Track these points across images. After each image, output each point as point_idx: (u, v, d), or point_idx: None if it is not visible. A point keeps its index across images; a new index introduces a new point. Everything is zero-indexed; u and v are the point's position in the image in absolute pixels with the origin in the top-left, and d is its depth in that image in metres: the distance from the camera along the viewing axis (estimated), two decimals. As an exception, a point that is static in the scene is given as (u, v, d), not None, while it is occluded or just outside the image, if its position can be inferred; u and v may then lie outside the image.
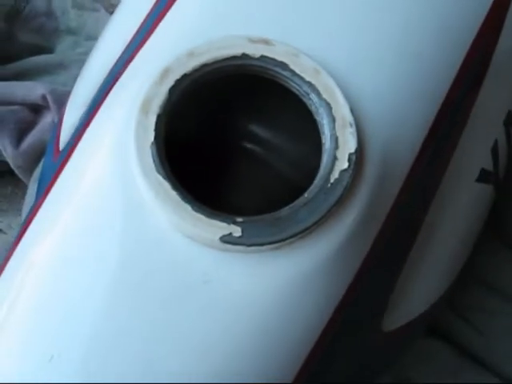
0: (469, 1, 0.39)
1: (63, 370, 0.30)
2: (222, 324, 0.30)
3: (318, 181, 0.31)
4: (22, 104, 0.65)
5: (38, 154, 0.63)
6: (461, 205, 0.43)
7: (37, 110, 0.65)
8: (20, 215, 0.67)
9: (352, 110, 0.32)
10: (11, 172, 0.65)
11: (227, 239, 0.29)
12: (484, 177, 0.44)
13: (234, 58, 0.32)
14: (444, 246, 0.43)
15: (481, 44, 0.39)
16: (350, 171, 0.31)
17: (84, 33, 0.75)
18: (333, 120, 0.32)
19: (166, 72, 0.32)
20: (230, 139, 0.40)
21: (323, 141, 0.32)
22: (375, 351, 0.42)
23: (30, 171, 0.63)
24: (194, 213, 0.29)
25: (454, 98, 0.37)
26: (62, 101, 0.63)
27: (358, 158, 0.31)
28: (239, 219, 0.30)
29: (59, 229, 0.33)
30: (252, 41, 0.33)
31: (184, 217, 0.29)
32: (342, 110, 0.32)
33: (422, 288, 0.42)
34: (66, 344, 0.31)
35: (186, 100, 0.32)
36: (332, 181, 0.31)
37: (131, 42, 0.39)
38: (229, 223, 0.29)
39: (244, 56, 0.32)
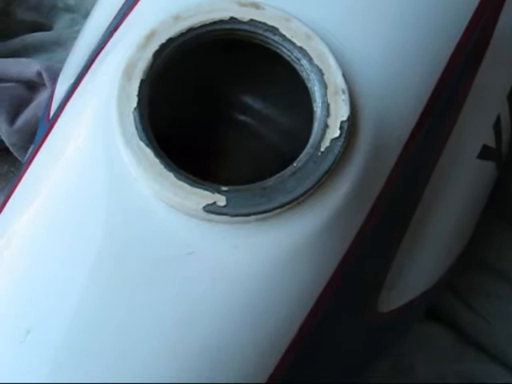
0: None
1: (41, 343, 0.29)
2: (205, 298, 0.29)
3: (308, 149, 0.30)
4: (18, 81, 0.64)
5: (33, 132, 0.62)
6: (461, 181, 0.41)
7: (32, 86, 0.64)
8: (16, 194, 0.66)
9: (345, 77, 0.31)
10: (7, 151, 0.64)
11: (211, 209, 0.28)
12: (486, 153, 0.43)
13: (221, 21, 0.31)
14: (443, 224, 0.41)
15: (482, 17, 0.37)
16: (342, 139, 0.30)
17: (82, 10, 0.74)
18: (324, 87, 0.30)
19: (150, 36, 0.30)
20: (220, 110, 0.38)
21: (314, 108, 0.31)
22: (371, 333, 0.41)
23: (25, 149, 0.62)
24: (176, 181, 0.28)
25: (453, 70, 0.36)
26: (57, 78, 0.63)
27: (351, 127, 0.30)
28: (224, 188, 0.28)
29: (42, 197, 0.32)
30: (241, 4, 0.31)
31: (166, 185, 0.28)
32: (335, 77, 0.30)
33: (420, 267, 0.41)
34: (46, 316, 0.30)
35: (173, 67, 0.31)
36: (322, 149, 0.29)
37: (119, 11, 0.38)
38: (213, 192, 0.28)
39: (232, 20, 0.31)
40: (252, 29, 0.31)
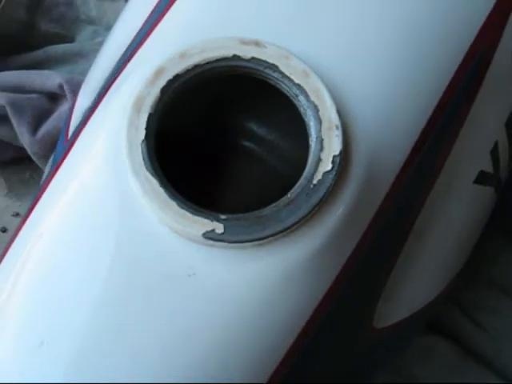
0: (468, 4, 0.39)
1: (54, 353, 0.32)
2: (203, 315, 0.31)
3: (301, 181, 0.32)
4: (40, 92, 0.67)
5: (54, 142, 0.65)
6: (457, 205, 0.43)
7: (54, 98, 0.67)
8: (37, 200, 0.69)
9: (339, 113, 0.33)
10: (29, 158, 0.67)
11: (210, 235, 0.30)
12: (483, 179, 0.44)
13: (225, 59, 0.33)
14: (439, 245, 0.43)
15: (480, 47, 0.39)
16: (334, 173, 0.32)
17: (104, 22, 0.76)
18: (319, 122, 0.32)
19: (158, 72, 0.33)
20: (225, 137, 0.41)
21: (310, 142, 0.33)
22: (367, 348, 0.43)
23: (46, 158, 0.65)
24: (179, 209, 0.31)
25: (448, 102, 0.37)
26: (78, 90, 0.65)
27: (343, 161, 0.32)
28: (222, 216, 0.31)
29: (59, 217, 0.35)
30: (244, 42, 0.34)
31: (170, 213, 0.31)
32: (329, 113, 0.32)
33: (415, 286, 0.43)
34: (59, 329, 0.33)
35: (181, 99, 0.34)
36: (315, 182, 0.32)
37: (135, 38, 0.40)
38: (212, 220, 0.31)
39: (235, 57, 0.33)
40: (254, 66, 0.33)
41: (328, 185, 0.32)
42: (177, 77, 0.33)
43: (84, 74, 0.70)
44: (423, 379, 0.57)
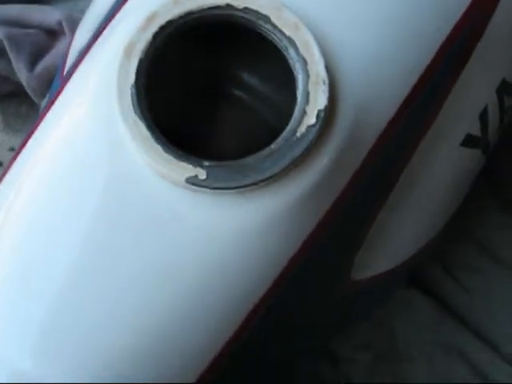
0: None
1: (39, 284, 0.34)
2: (183, 255, 0.33)
3: (285, 133, 0.33)
4: (39, 28, 0.66)
5: (51, 78, 0.65)
6: (442, 164, 0.43)
7: (52, 34, 0.67)
8: (33, 136, 0.70)
9: (327, 68, 0.33)
10: (26, 93, 0.67)
11: (192, 181, 0.31)
12: (469, 141, 0.45)
13: (218, 7, 0.33)
14: (422, 201, 0.44)
15: (474, 14, 0.39)
16: (317, 127, 0.32)
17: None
18: (307, 76, 0.33)
19: (151, 17, 0.33)
20: (216, 85, 0.41)
21: (297, 95, 0.33)
22: (346, 299, 0.44)
23: (43, 94, 0.66)
24: (163, 153, 0.32)
25: (439, 65, 0.38)
26: (76, 28, 0.65)
27: (328, 115, 0.33)
28: (206, 163, 0.32)
29: (49, 155, 0.36)
30: (237, -8, 0.34)
31: (155, 157, 0.32)
32: (317, 67, 0.33)
33: (396, 239, 0.44)
34: (43, 266, 0.34)
35: (172, 45, 0.34)
36: (298, 135, 0.32)
37: None
38: (195, 166, 0.32)
39: (228, 6, 0.33)
40: (246, 16, 0.34)
41: (311, 138, 0.32)
42: (169, 23, 0.33)
43: (83, 12, 0.70)
44: (401, 332, 0.59)
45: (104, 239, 0.34)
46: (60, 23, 0.65)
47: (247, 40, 0.37)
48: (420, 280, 0.60)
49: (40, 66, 0.65)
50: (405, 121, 0.37)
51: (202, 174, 0.31)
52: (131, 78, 0.32)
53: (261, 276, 0.34)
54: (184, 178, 0.31)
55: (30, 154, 0.37)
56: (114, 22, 0.37)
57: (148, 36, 0.33)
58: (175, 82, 0.39)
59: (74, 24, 0.65)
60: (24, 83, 0.65)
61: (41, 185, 0.35)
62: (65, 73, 0.44)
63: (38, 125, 0.37)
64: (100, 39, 0.37)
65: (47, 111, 0.37)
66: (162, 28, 0.33)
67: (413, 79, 0.37)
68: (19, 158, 0.37)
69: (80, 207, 0.34)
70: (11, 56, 0.64)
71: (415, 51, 0.37)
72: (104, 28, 0.38)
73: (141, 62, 0.33)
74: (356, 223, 0.40)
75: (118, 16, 0.37)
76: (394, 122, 0.37)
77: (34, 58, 0.65)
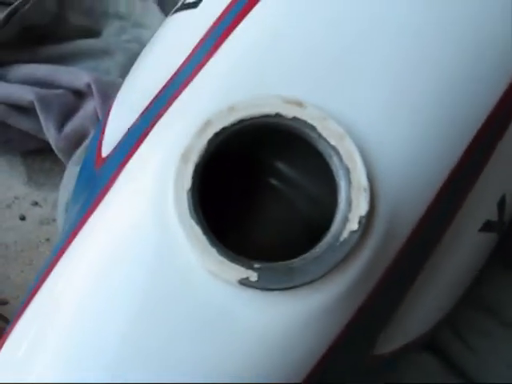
0: (492, 70, 0.42)
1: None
2: (233, 354, 0.35)
3: (328, 238, 0.35)
4: (66, 88, 0.69)
5: (78, 139, 0.68)
6: (461, 251, 0.46)
7: (80, 95, 0.70)
8: (56, 190, 0.72)
9: (368, 175, 0.36)
10: (50, 148, 0.69)
11: (244, 282, 0.34)
12: (487, 227, 0.47)
13: (268, 116, 0.36)
14: (444, 281, 0.46)
15: (503, 107, 0.42)
16: (359, 232, 0.35)
17: (132, 19, 0.78)
18: (349, 183, 0.35)
19: (207, 124, 0.35)
20: (254, 175, 0.44)
21: (339, 200, 0.36)
22: (363, 373, 0.47)
23: (69, 154, 0.68)
24: (219, 256, 0.34)
25: (464, 163, 0.40)
26: (105, 91, 0.68)
27: (368, 221, 0.35)
28: (256, 265, 0.34)
29: (96, 255, 0.37)
30: (286, 101, 0.36)
31: (210, 258, 0.34)
32: (359, 176, 0.35)
33: (415, 319, 0.46)
34: (87, 360, 0.36)
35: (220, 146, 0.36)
36: (341, 240, 0.35)
37: (183, 67, 0.42)
38: (247, 268, 0.34)
39: (277, 115, 0.36)
40: (294, 124, 0.36)
41: (353, 243, 0.35)
42: (223, 130, 0.35)
43: (108, 71, 0.73)
44: None
45: (152, 337, 0.35)
46: (88, 85, 0.68)
47: (285, 137, 0.40)
48: (428, 341, 0.62)
49: (68, 127, 0.67)
50: (435, 215, 0.40)
51: (253, 276, 0.34)
52: (187, 182, 0.34)
53: (302, 365, 0.37)
54: (236, 280, 0.34)
55: (79, 246, 0.39)
56: (161, 125, 0.39)
57: (203, 142, 0.35)
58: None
59: (102, 86, 0.68)
60: (52, 143, 0.67)
61: (89, 277, 0.37)
62: (103, 150, 0.46)
63: (87, 217, 0.39)
64: (149, 139, 0.39)
65: (92, 210, 0.39)
66: (216, 135, 0.35)
67: (443, 177, 0.40)
68: (71, 247, 0.39)
69: (125, 303, 0.36)
70: (41, 116, 0.66)
71: (444, 155, 0.40)
72: (154, 123, 0.40)
73: (196, 167, 0.35)
74: (386, 309, 0.42)
75: (168, 116, 0.39)
76: (425, 217, 0.39)
77: (63, 119, 0.67)
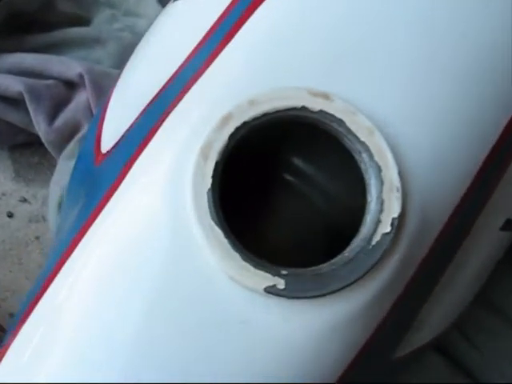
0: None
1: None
2: (253, 364, 0.32)
3: (359, 241, 0.33)
4: (57, 79, 0.65)
5: (70, 132, 0.64)
6: (484, 250, 0.44)
7: (71, 85, 0.66)
8: (46, 186, 0.68)
9: (400, 175, 0.33)
10: (40, 142, 0.66)
11: (271, 290, 0.31)
12: (507, 225, 0.46)
13: (293, 109, 0.33)
14: (465, 280, 0.45)
15: None
16: (392, 235, 0.33)
17: (123, 8, 0.75)
18: (381, 183, 0.33)
19: (227, 118, 0.33)
20: (271, 171, 0.41)
21: (368, 200, 0.33)
22: (384, 375, 0.45)
23: (60, 147, 0.64)
24: (242, 262, 0.31)
25: (491, 160, 0.38)
26: (98, 82, 0.64)
27: (399, 222, 0.33)
28: (283, 272, 0.31)
29: (106, 256, 0.35)
30: (312, 94, 0.34)
31: (232, 264, 0.31)
32: (391, 175, 0.33)
33: (436, 317, 0.45)
34: (98, 358, 0.33)
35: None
36: (374, 243, 0.32)
37: (188, 63, 0.39)
38: (273, 275, 0.31)
39: (303, 108, 0.33)
40: (321, 118, 0.34)
41: (386, 246, 0.32)
42: (244, 124, 0.33)
43: (100, 61, 0.70)
44: None
45: (169, 339, 0.33)
46: (81, 76, 0.64)
47: (305, 132, 0.37)
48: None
49: (59, 120, 0.63)
50: (462, 213, 0.38)
51: (280, 284, 0.31)
52: (208, 181, 0.32)
53: (329, 374, 0.35)
54: (262, 288, 0.31)
55: (88, 247, 0.36)
56: (177, 113, 0.36)
57: (224, 137, 0.32)
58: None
59: (95, 77, 0.64)
60: (42, 136, 0.64)
61: (99, 280, 0.34)
62: (103, 145, 0.43)
63: (93, 218, 0.36)
64: (159, 135, 0.36)
65: (105, 202, 0.36)
66: (238, 129, 0.33)
67: (471, 175, 0.38)
68: (78, 249, 0.36)
69: (138, 308, 0.33)
70: (30, 108, 0.63)
71: (473, 152, 0.38)
72: (168, 112, 0.36)
73: (217, 164, 0.32)
74: (412, 310, 0.40)
75: (182, 107, 0.36)
76: (452, 217, 0.37)
77: (54, 111, 0.64)
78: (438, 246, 0.37)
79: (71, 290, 0.35)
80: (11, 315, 0.64)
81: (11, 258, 0.66)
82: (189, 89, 0.37)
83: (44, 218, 0.68)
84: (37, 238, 0.67)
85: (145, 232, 0.34)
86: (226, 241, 0.31)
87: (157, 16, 0.74)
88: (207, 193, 0.32)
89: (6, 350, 0.35)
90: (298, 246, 0.42)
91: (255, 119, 0.33)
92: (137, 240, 0.34)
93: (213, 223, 0.31)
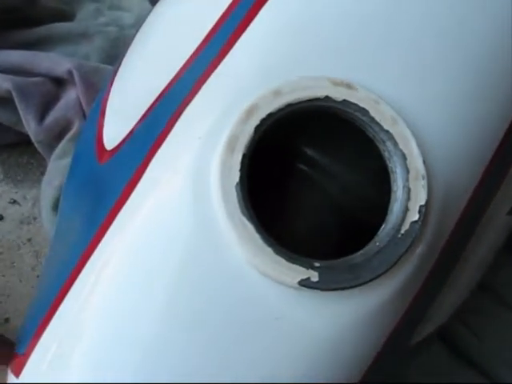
0: None
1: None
2: (290, 359, 0.32)
3: (388, 230, 0.32)
4: (45, 76, 0.63)
5: (60, 130, 0.62)
6: (491, 235, 0.45)
7: (60, 83, 0.64)
8: (36, 187, 0.67)
9: (424, 162, 0.33)
10: (28, 141, 0.64)
11: (305, 283, 0.31)
12: None
13: (317, 99, 0.33)
14: (474, 266, 0.45)
15: None
16: (420, 223, 0.32)
17: (108, 2, 0.73)
18: (407, 171, 0.33)
19: (251, 110, 0.32)
20: (288, 161, 0.41)
21: (394, 188, 0.33)
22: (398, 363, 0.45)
23: (50, 146, 0.63)
24: (275, 256, 0.31)
25: (504, 145, 0.39)
26: (88, 78, 0.63)
27: (427, 210, 0.33)
28: (317, 264, 0.31)
29: (129, 258, 0.34)
30: (335, 83, 0.33)
31: (265, 259, 0.30)
32: (416, 163, 0.33)
33: (445, 305, 0.45)
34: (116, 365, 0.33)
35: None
36: (403, 231, 0.32)
37: (195, 60, 0.38)
38: (307, 268, 0.31)
39: (327, 98, 0.33)
40: (344, 108, 0.33)
41: (415, 234, 0.32)
42: (270, 115, 0.32)
43: (88, 56, 0.68)
44: (413, 377, 0.60)
45: (200, 338, 0.32)
46: (70, 72, 0.63)
47: (321, 121, 0.37)
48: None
49: (49, 119, 0.62)
50: (479, 199, 0.38)
51: (314, 276, 0.31)
52: (235, 175, 0.31)
53: (364, 361, 0.35)
54: (296, 281, 0.31)
55: (111, 245, 0.35)
56: (198, 104, 0.35)
57: (250, 129, 0.32)
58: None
59: (85, 73, 0.63)
60: (31, 135, 0.62)
61: (126, 279, 0.34)
62: (106, 143, 0.41)
63: (113, 215, 0.35)
64: (177, 127, 0.35)
65: (123, 201, 0.35)
66: (264, 120, 0.32)
67: (486, 161, 0.38)
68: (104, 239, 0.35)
69: (172, 306, 0.32)
70: (20, 107, 0.61)
71: (488, 137, 0.38)
72: (185, 104, 0.35)
73: (244, 157, 0.31)
74: (432, 296, 0.40)
75: (198, 102, 0.35)
76: (471, 202, 0.38)
77: (43, 109, 0.62)
78: (457, 232, 0.37)
79: (90, 297, 0.34)
80: (7, 320, 0.62)
81: (3, 262, 0.64)
82: (206, 79, 0.35)
83: (35, 219, 0.66)
84: (29, 240, 0.65)
85: (169, 230, 0.33)
86: (257, 236, 0.31)
87: (142, 9, 0.73)
88: (235, 187, 0.31)
89: (27, 359, 0.34)
90: (312, 236, 0.41)
91: (280, 110, 0.32)
92: (160, 239, 0.33)
93: (244, 218, 0.31)
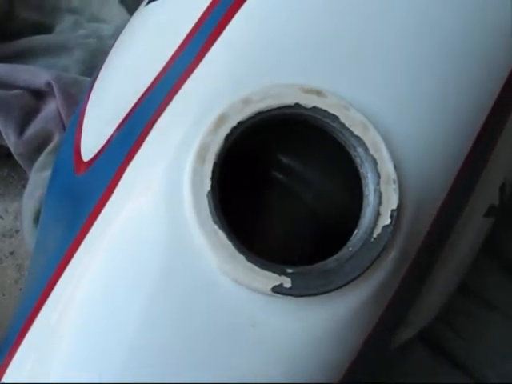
0: (497, 58, 0.40)
1: None
2: (265, 365, 0.32)
3: (361, 235, 0.33)
4: (24, 88, 0.63)
5: (40, 143, 0.62)
6: (469, 238, 0.45)
7: (39, 95, 0.64)
8: (17, 200, 0.66)
9: (395, 167, 0.34)
10: (8, 154, 0.64)
11: (278, 290, 0.31)
12: (490, 212, 0.47)
13: (287, 107, 0.33)
14: (452, 269, 0.46)
15: (504, 99, 0.41)
16: (392, 227, 0.33)
17: (87, 13, 0.73)
18: (377, 176, 0.33)
19: (221, 119, 0.32)
20: (261, 170, 0.41)
21: (366, 193, 0.34)
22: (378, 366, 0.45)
23: (30, 159, 0.63)
24: (247, 263, 0.31)
25: (476, 148, 0.39)
26: (67, 90, 0.63)
27: (398, 214, 0.33)
28: (289, 270, 0.31)
29: (105, 266, 0.34)
30: (305, 90, 0.34)
31: (237, 266, 0.31)
32: (387, 167, 0.33)
33: (425, 309, 0.45)
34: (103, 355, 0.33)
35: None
36: (375, 236, 0.33)
37: (169, 68, 0.38)
38: (280, 274, 0.31)
39: (297, 106, 0.33)
40: (314, 115, 0.33)
41: (387, 238, 0.33)
42: (240, 124, 0.32)
43: (67, 68, 0.68)
44: (396, 377, 0.60)
45: (177, 347, 0.32)
46: (49, 84, 0.63)
47: (293, 128, 0.37)
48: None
49: (29, 131, 0.62)
50: (453, 202, 0.39)
51: (287, 283, 0.31)
52: (207, 184, 0.31)
53: (340, 366, 0.35)
54: (269, 288, 0.31)
55: (85, 257, 0.35)
56: (164, 119, 0.35)
57: (220, 138, 0.32)
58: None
59: (64, 85, 0.63)
60: (11, 148, 0.62)
61: (98, 286, 0.34)
62: (83, 154, 0.42)
63: (87, 227, 0.35)
64: (150, 138, 0.35)
65: (98, 211, 0.35)
66: (234, 129, 0.32)
67: (459, 164, 0.38)
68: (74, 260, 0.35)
69: (145, 315, 0.33)
70: (-1, 121, 0.60)
71: (461, 138, 0.38)
72: (157, 115, 0.36)
73: (215, 166, 0.32)
74: (409, 299, 0.40)
75: (170, 112, 0.35)
76: (444, 205, 0.38)
77: (23, 122, 0.62)
78: (431, 235, 0.38)
79: (69, 304, 0.34)
80: (-10, 334, 0.61)
81: (-14, 276, 0.64)
82: (179, 88, 0.36)
83: (17, 233, 0.65)
84: (11, 253, 0.65)
85: (143, 238, 0.33)
86: (229, 243, 0.31)
87: (121, 20, 0.73)
88: (207, 196, 0.31)
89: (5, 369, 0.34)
90: (287, 244, 0.42)
91: (250, 118, 0.33)
92: (135, 247, 0.33)
93: (215, 226, 0.31)
